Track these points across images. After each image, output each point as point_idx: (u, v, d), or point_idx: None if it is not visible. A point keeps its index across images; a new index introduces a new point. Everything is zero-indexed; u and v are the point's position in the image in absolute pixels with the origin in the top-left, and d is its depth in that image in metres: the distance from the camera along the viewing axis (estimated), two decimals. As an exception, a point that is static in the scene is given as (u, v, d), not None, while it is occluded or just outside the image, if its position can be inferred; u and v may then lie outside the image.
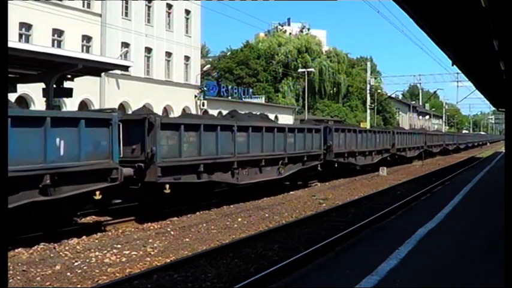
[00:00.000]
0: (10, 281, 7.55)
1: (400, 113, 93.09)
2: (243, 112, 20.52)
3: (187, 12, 44.29)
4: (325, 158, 22.11)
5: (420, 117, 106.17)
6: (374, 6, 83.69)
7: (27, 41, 29.27)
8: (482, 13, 8.77)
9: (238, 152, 15.23)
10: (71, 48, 28.55)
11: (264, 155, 16.69)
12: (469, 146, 75.56)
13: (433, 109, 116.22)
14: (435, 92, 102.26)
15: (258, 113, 22.44)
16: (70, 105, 27.87)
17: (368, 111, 56.98)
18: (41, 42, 27.46)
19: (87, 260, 8.90)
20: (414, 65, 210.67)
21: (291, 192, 18.91)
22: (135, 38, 38.10)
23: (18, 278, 7.88)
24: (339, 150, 23.95)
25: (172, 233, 11.44)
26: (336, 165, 23.80)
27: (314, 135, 21.15)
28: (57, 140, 9.74)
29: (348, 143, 25.05)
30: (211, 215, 13.83)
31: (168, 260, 8.96)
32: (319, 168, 21.68)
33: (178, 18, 43.14)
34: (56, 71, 15.29)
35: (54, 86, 15.82)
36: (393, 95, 78.98)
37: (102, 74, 26.35)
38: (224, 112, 45.89)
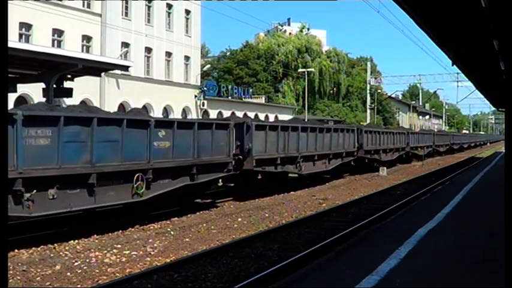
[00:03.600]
0: (10, 281, 7.55)
1: (400, 113, 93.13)
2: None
3: (187, 12, 44.30)
4: None
5: (420, 117, 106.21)
6: (374, 6, 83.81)
7: (27, 41, 29.26)
8: (482, 13, 8.77)
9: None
10: (71, 48, 28.55)
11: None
12: (455, 149, 58.66)
13: (433, 109, 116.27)
14: (435, 92, 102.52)
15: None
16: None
17: (368, 111, 57.05)
18: (41, 42, 27.47)
19: (87, 260, 8.90)
20: (414, 65, 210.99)
21: (291, 192, 18.90)
22: (135, 38, 38.11)
23: (18, 278, 7.87)
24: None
25: (172, 233, 11.43)
26: None
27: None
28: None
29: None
30: (211, 215, 13.82)
31: (168, 260, 8.96)
32: None
33: (178, 18, 43.14)
34: (56, 71, 15.30)
35: (54, 86, 15.83)
36: (393, 95, 79.06)
37: (102, 74, 26.35)
38: (224, 112, 46.27)
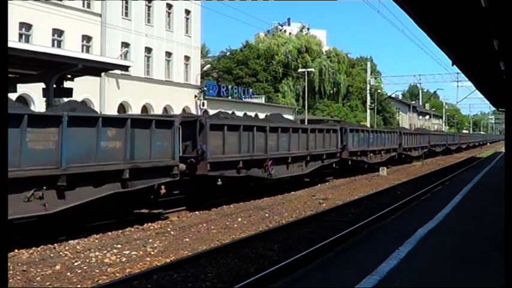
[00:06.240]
0: (10, 281, 7.55)
1: (400, 113, 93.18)
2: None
3: (187, 12, 44.32)
4: None
5: (420, 117, 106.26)
6: (374, 6, 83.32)
7: (27, 41, 29.27)
8: (482, 13, 8.77)
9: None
10: (71, 48, 28.56)
11: None
12: (452, 149, 55.94)
13: (433, 109, 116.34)
14: (435, 92, 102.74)
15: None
16: (70, 105, 27.88)
17: (368, 111, 57.07)
18: (41, 42, 27.47)
19: (87, 260, 8.90)
20: (414, 65, 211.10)
21: (291, 192, 18.90)
22: (135, 38, 38.11)
23: (18, 278, 7.87)
24: None
25: (172, 233, 11.43)
26: None
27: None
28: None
29: None
30: (211, 215, 13.82)
31: (168, 260, 8.95)
32: None
33: (178, 18, 43.15)
34: (56, 71, 15.31)
35: (54, 86, 15.84)
36: (393, 95, 79.09)
37: (102, 74, 26.36)
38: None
